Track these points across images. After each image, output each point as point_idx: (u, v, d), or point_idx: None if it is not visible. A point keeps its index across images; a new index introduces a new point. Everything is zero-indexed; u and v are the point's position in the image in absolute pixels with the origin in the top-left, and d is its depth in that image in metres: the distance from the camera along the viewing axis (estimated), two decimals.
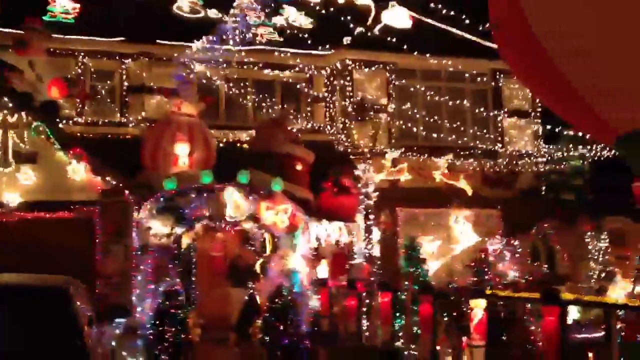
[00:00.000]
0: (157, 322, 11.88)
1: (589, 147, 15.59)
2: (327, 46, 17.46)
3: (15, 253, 11.83)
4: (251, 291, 13.16)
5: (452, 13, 16.72)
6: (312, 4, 19.41)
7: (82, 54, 16.54)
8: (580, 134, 14.65)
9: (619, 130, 8.04)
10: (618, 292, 10.27)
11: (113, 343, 11.14)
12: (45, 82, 13.24)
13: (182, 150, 14.45)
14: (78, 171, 12.92)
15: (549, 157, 16.67)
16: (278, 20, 18.19)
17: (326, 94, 17.71)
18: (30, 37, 13.31)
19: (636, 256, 11.47)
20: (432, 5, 16.93)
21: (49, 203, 12.49)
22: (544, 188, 17.05)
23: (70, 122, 15.91)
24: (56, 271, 11.48)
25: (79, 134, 15.43)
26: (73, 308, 6.66)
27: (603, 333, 7.08)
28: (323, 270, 13.79)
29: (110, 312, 11.60)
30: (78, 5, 17.15)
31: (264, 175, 13.77)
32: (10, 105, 12.68)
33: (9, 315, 6.46)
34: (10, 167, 12.49)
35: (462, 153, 16.97)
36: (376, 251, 13.90)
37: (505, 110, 17.97)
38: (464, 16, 16.63)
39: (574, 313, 9.41)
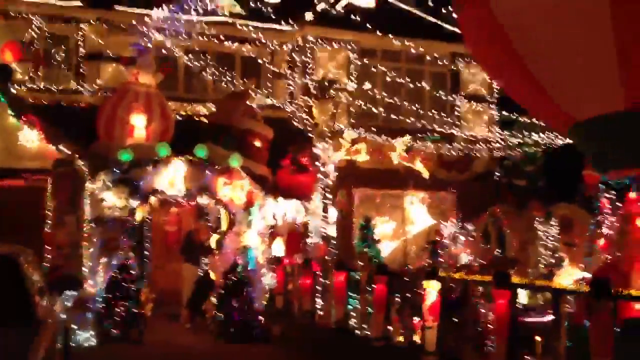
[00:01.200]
0: (109, 296, 11.74)
1: (542, 134, 15.91)
2: (290, 22, 17.29)
3: None
4: (205, 267, 13.10)
5: None
6: None
7: (37, 16, 16.00)
8: (535, 120, 14.96)
9: (573, 118, 8.22)
10: (566, 277, 10.58)
11: (63, 315, 10.98)
12: None
13: (138, 121, 14.19)
14: (30, 138, 12.57)
15: (504, 143, 16.95)
16: None
17: (287, 70, 17.58)
18: None
19: (583, 244, 11.83)
20: None
21: (1, 171, 12.16)
22: (497, 173, 17.37)
23: (23, 87, 15.44)
24: (5, 240, 11.26)
25: (31, 100, 14.96)
26: (23, 277, 6.52)
27: (551, 317, 7.29)
28: (279, 248, 13.80)
29: (61, 283, 11.39)
30: None
31: (222, 150, 13.64)
32: None
33: None
34: None
35: (419, 135, 17.11)
36: (332, 231, 13.97)
37: (463, 94, 18.18)
38: None
39: (523, 297, 9.65)
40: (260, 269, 12.90)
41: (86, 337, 11.30)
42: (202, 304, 12.83)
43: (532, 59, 7.90)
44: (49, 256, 11.85)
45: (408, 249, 15.53)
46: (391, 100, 16.95)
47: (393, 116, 17.02)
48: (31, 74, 15.85)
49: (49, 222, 12.21)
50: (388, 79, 17.25)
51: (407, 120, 16.96)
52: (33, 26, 15.92)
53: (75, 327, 11.15)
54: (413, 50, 17.44)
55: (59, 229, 12.35)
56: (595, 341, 6.11)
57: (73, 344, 10.41)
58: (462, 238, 13.88)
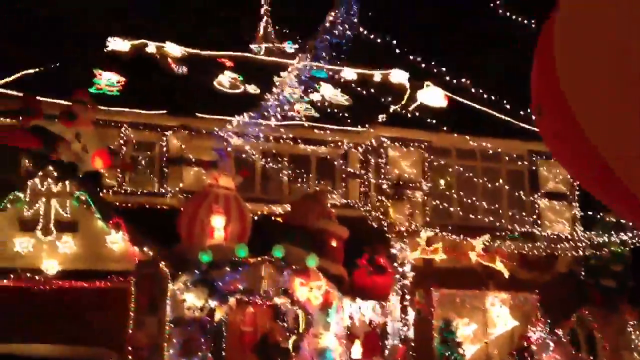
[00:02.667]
0: None
1: (630, 233, 15.36)
2: (363, 123, 17.69)
3: (51, 321, 11.90)
4: None
5: (489, 96, 16.93)
6: (348, 82, 19.89)
7: (125, 125, 16.92)
8: (621, 220, 14.48)
9: None
10: None
11: None
12: (89, 153, 13.53)
13: (218, 222, 14.52)
14: (116, 241, 13.02)
15: (588, 242, 16.42)
16: (315, 97, 18.59)
17: (361, 171, 17.83)
18: (77, 109, 13.70)
19: None
20: (467, 86, 17.17)
21: (87, 272, 12.60)
22: (582, 273, 16.74)
23: (110, 191, 16.14)
24: (90, 341, 11.51)
25: (117, 204, 15.59)
26: None
27: None
28: (356, 350, 13.54)
29: None
30: (123, 79, 17.74)
31: (298, 251, 13.76)
32: (55, 174, 12.95)
33: None
34: (52, 235, 12.65)
35: (498, 234, 16.82)
36: (411, 332, 13.65)
37: (542, 192, 17.89)
38: (498, 97, 16.83)
39: None
40: None
41: None
42: None
43: (618, 165, 7.73)
44: (130, 357, 12.00)
45: (491, 353, 14.92)
46: (467, 199, 16.85)
47: (470, 215, 16.87)
48: (118, 179, 16.59)
49: (131, 323, 12.45)
50: (463, 177, 17.23)
51: (485, 219, 16.76)
52: (121, 133, 16.83)
53: None
54: (490, 150, 17.44)
55: (140, 331, 12.59)
56: None
57: None
58: (551, 344, 13.24)
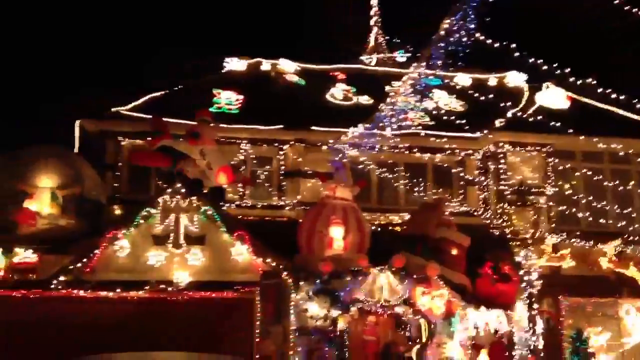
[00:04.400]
0: None
1: None
2: (480, 129, 17.34)
3: (182, 330, 12.44)
4: None
5: (617, 95, 16.15)
6: (462, 88, 19.58)
7: (245, 141, 17.50)
8: None
9: None
10: None
11: None
12: (214, 169, 14.08)
13: (336, 233, 14.68)
14: (241, 252, 13.47)
15: None
16: (429, 105, 18.44)
17: (480, 177, 17.46)
18: (202, 128, 14.31)
19: None
20: (591, 85, 16.46)
21: (214, 283, 13.08)
22: None
23: (233, 205, 16.71)
24: (218, 350, 11.94)
25: (240, 217, 16.11)
26: None
27: None
28: (482, 358, 13.21)
29: None
30: (241, 97, 18.39)
31: (418, 260, 13.66)
32: (183, 190, 13.59)
33: None
34: (182, 248, 13.24)
35: (631, 239, 15.91)
36: (539, 342, 13.16)
37: None
38: (625, 95, 16.02)
39: None
40: None
41: None
42: None
43: None
44: None
45: None
46: (595, 203, 16.08)
47: (599, 220, 16.08)
48: (239, 193, 17.16)
49: (258, 332, 12.78)
50: (590, 180, 16.48)
51: (615, 224, 15.92)
52: (241, 149, 17.41)
53: None
54: (619, 151, 16.58)
55: (266, 339, 12.92)
56: None
57: None
58: None
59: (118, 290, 12.55)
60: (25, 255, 12.63)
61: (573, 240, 15.48)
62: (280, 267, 13.49)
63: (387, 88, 18.80)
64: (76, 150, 16.85)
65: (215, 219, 13.62)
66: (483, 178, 17.38)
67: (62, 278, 12.47)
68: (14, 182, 13.84)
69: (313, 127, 17.62)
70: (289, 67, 20.17)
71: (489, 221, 16.30)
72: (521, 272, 13.54)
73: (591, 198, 16.12)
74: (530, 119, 17.34)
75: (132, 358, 7.20)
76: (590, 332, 14.14)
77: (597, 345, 13.96)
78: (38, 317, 12.06)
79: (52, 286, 12.38)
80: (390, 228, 16.73)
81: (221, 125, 16.05)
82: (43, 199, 13.74)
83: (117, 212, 15.28)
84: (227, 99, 18.34)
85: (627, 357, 14.44)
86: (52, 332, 11.91)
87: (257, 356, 12.60)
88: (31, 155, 14.32)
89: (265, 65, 20.21)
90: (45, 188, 13.90)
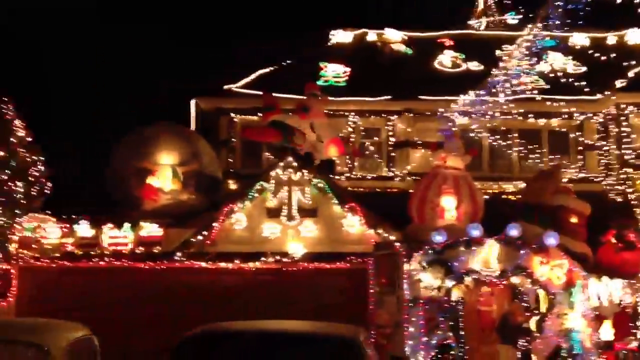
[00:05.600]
0: None
1: None
2: (599, 91, 16.50)
3: (297, 301, 12.75)
4: (525, 350, 12.58)
5: None
6: (579, 48, 18.66)
7: (353, 113, 17.57)
8: None
9: None
10: None
11: None
12: (323, 142, 14.26)
13: (448, 203, 14.50)
14: (353, 224, 13.60)
15: None
16: (544, 68, 17.72)
17: (599, 141, 16.65)
18: (311, 102, 14.50)
19: None
20: None
21: (328, 254, 13.30)
22: None
23: (343, 177, 16.87)
24: (333, 320, 12.15)
25: (350, 189, 16.27)
26: (363, 356, 6.79)
27: None
28: (606, 331, 12.71)
29: None
30: (348, 69, 18.42)
31: (535, 228, 13.24)
32: (294, 164, 13.86)
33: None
34: (295, 220, 13.55)
35: None
36: None
37: None
38: None
39: None
40: (588, 354, 11.97)
41: None
42: None
43: None
44: (373, 334, 12.46)
45: None
46: None
47: None
48: (348, 165, 17.29)
49: (372, 302, 12.90)
50: None
51: None
52: (349, 122, 17.49)
53: None
54: None
55: (380, 309, 13.02)
56: None
57: None
58: None
59: (236, 261, 13.01)
60: (150, 229, 13.30)
61: None
62: (393, 237, 13.53)
63: (498, 52, 18.22)
64: (192, 127, 17.54)
65: (326, 192, 13.82)
66: (603, 142, 16.56)
67: (184, 250, 13.08)
68: (136, 160, 14.53)
69: (421, 97, 17.43)
70: (395, 37, 19.97)
71: (610, 187, 15.55)
72: None
73: None
74: None
75: (255, 325, 7.42)
76: None
77: None
78: (162, 287, 12.68)
79: (176, 258, 13.00)
80: (504, 197, 16.36)
81: (329, 98, 16.16)
82: (165, 176, 14.38)
83: (233, 186, 15.81)
84: (334, 72, 18.43)
85: None
86: (175, 302, 12.52)
87: (373, 326, 12.72)
88: (152, 133, 14.97)
89: (371, 35, 20.10)
90: (167, 165, 14.54)
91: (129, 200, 14.16)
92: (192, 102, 17.86)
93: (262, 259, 13.04)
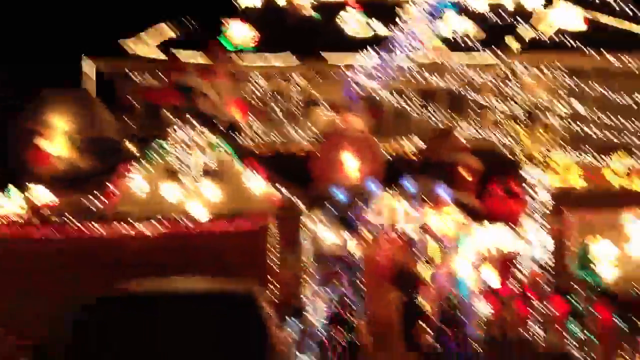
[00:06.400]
0: (330, 327, 12.36)
1: None
2: (493, 52, 17.16)
3: (198, 263, 12.78)
4: (415, 297, 13.25)
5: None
6: (476, 10, 19.24)
7: (257, 74, 17.59)
8: None
9: None
10: None
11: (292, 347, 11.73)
12: (226, 103, 14.28)
13: (350, 161, 14.89)
14: (256, 184, 13.73)
15: None
16: (442, 28, 18.20)
17: (493, 100, 17.37)
18: (213, 62, 14.41)
19: None
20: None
21: (230, 215, 13.34)
22: None
23: (246, 138, 16.93)
24: (235, 278, 12.34)
25: (254, 150, 16.37)
26: (261, 312, 6.90)
27: None
28: (491, 276, 13.50)
29: (286, 316, 12.20)
30: (254, 31, 18.38)
31: (431, 184, 13.83)
32: (197, 125, 13.83)
33: (198, 318, 6.71)
34: (196, 182, 13.55)
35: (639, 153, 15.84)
36: (547, 257, 13.36)
37: None
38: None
39: None
40: (474, 299, 12.74)
41: None
42: (415, 334, 12.94)
43: None
44: (275, 291, 12.77)
45: (633, 276, 14.18)
46: (608, 121, 15.94)
47: (609, 135, 15.96)
48: (253, 126, 17.38)
49: (274, 261, 13.19)
50: (602, 99, 16.28)
51: (624, 139, 15.79)
52: (254, 83, 17.54)
53: (300, 356, 11.88)
54: (634, 69, 16.30)
55: (282, 267, 13.33)
56: None
57: None
58: None
59: (136, 224, 12.93)
60: (44, 195, 13.01)
61: (583, 157, 15.46)
62: (294, 196, 13.79)
63: (398, 11, 18.58)
64: (90, 90, 17.13)
65: (229, 153, 13.88)
66: (496, 101, 17.28)
67: (81, 215, 12.87)
68: (30, 124, 14.11)
69: (326, 58, 17.62)
70: (304, 1, 19.98)
71: (501, 144, 16.34)
72: (531, 191, 13.61)
73: (603, 116, 15.96)
74: (546, 40, 17.08)
75: (156, 284, 7.49)
76: (597, 246, 14.22)
77: (603, 258, 14.05)
78: (59, 254, 12.47)
79: (72, 223, 12.79)
80: (403, 155, 16.89)
81: (234, 59, 16.12)
82: (60, 141, 14.05)
83: (132, 149, 15.64)
84: (240, 33, 18.30)
85: (633, 269, 14.50)
86: (72, 268, 12.30)
87: (274, 283, 13.02)
88: (47, 96, 14.56)
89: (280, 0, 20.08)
90: (61, 130, 14.19)
91: (23, 167, 13.79)
92: (87, 63, 17.35)
93: (163, 221, 13.03)
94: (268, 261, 13.20)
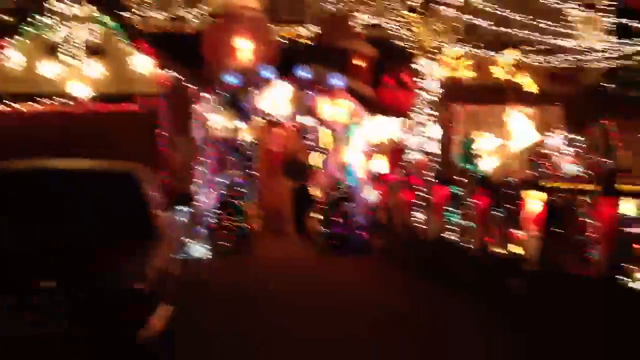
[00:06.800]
0: (219, 212, 12.36)
1: None
2: None
3: (82, 145, 12.27)
4: (305, 183, 13.44)
5: None
6: None
7: None
8: None
9: None
10: None
11: (180, 230, 11.67)
12: None
13: (243, 44, 14.49)
14: (143, 64, 13.05)
15: (620, 53, 15.82)
16: None
17: None
18: None
19: None
20: None
21: (115, 95, 12.76)
22: (610, 85, 16.24)
23: (134, 15, 16.02)
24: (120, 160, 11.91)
25: (142, 28, 15.56)
26: (143, 192, 6.71)
27: None
28: (380, 164, 13.88)
29: (175, 201, 12.05)
30: None
31: (324, 70, 13.72)
32: None
33: (81, 196, 6.53)
34: (78, 59, 12.71)
35: (528, 49, 16.33)
36: (434, 147, 13.82)
37: (577, 1, 16.98)
38: None
39: (631, 209, 9.27)
40: (362, 185, 13.10)
41: (200, 251, 12.00)
42: (305, 219, 13.26)
43: None
44: (164, 175, 12.52)
45: (511, 164, 15.11)
46: (498, 12, 16.15)
47: (500, 29, 16.25)
48: (141, 2, 16.41)
49: (162, 143, 12.84)
50: None
51: (514, 33, 16.16)
52: None
53: (190, 241, 11.88)
54: None
55: (172, 150, 13.03)
56: None
57: (189, 257, 11.14)
58: (570, 149, 13.34)
59: (13, 104, 12.13)
60: None
61: (474, 50, 15.77)
62: (185, 78, 13.33)
63: None
64: None
65: (114, 29, 13.05)
66: None
67: None
68: None
69: None
70: None
71: (395, 32, 16.29)
72: (421, 81, 13.82)
73: (494, 8, 16.14)
74: None
75: (29, 165, 7.06)
76: (482, 137, 14.90)
77: (485, 149, 14.80)
78: None
79: None
80: (298, 40, 16.60)
81: None
82: None
83: (7, 22, 14.38)
84: None
85: (512, 158, 15.40)
86: None
87: (163, 167, 12.75)
88: None
89: None
90: None
91: None
92: None
93: (43, 100, 12.28)
94: (156, 145, 12.87)
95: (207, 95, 13.27)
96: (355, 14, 16.06)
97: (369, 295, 9.03)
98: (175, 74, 13.33)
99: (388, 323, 7.47)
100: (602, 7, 16.87)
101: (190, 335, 6.47)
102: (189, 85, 13.28)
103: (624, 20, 15.55)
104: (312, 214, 13.12)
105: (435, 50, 14.79)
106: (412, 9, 16.22)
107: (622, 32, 15.95)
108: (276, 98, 13.26)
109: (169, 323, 5.31)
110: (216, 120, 13.23)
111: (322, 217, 12.59)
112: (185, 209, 12.15)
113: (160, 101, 12.91)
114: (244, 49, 14.63)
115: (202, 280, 9.68)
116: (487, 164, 14.04)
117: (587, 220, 8.00)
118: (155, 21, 16.43)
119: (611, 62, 15.90)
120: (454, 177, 11.65)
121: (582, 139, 13.62)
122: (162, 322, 5.19)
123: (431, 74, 13.69)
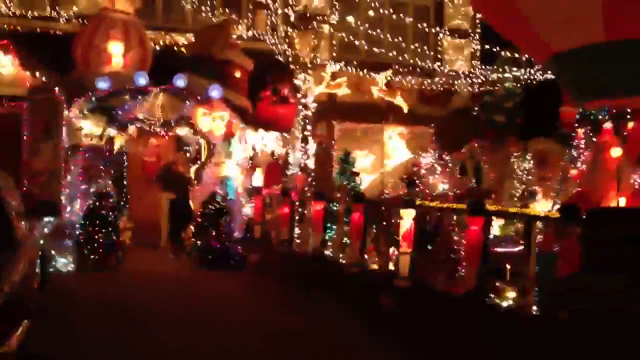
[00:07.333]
0: (88, 223, 11.76)
1: (523, 70, 15.87)
2: None
3: None
4: (181, 195, 13.14)
5: None
6: None
7: None
8: (516, 55, 14.90)
9: (552, 49, 8.26)
10: (538, 209, 10.77)
11: (42, 242, 10.98)
12: None
13: (116, 49, 13.96)
14: (6, 65, 12.34)
15: (485, 78, 16.87)
16: None
17: (268, 1, 17.22)
18: None
19: (556, 177, 12.04)
20: None
21: None
22: (477, 109, 17.28)
23: None
24: None
25: (5, 26, 14.62)
26: (1, 201, 6.35)
27: (521, 247, 7.46)
28: (258, 178, 13.86)
29: (39, 210, 11.36)
30: None
31: (201, 81, 13.50)
32: None
33: None
34: None
35: (401, 70, 16.99)
36: (311, 162, 14.01)
37: (446, 28, 17.94)
38: None
39: (495, 229, 9.84)
40: (239, 199, 12.99)
41: (64, 263, 11.38)
42: (180, 233, 12.94)
43: None
44: (26, 183, 11.81)
45: (386, 182, 15.65)
46: (374, 34, 16.70)
47: (375, 49, 16.82)
48: (6, 1, 15.41)
49: (26, 149, 12.12)
50: (371, 11, 16.97)
51: (389, 54, 16.77)
52: None
53: (53, 253, 11.20)
54: None
55: (36, 157, 12.31)
56: (563, 263, 6.28)
57: (51, 269, 10.50)
58: (439, 169, 14.01)
59: None
60: None
61: (350, 68, 16.17)
62: (52, 82, 12.65)
63: None
64: None
65: None
66: (271, 2, 17.16)
67: None
68: None
69: None
70: None
71: (274, 46, 16.39)
72: (299, 96, 13.97)
73: (369, 28, 16.67)
74: None
75: None
76: (357, 155, 15.31)
77: (362, 166, 15.23)
78: None
79: None
80: (175, 48, 16.23)
81: None
82: None
83: None
84: None
85: (386, 176, 15.96)
86: None
87: (26, 174, 12.02)
88: None
89: None
90: None
91: None
92: None
93: None
94: (18, 150, 12.13)
95: (77, 100, 12.64)
96: (234, 25, 15.94)
97: (245, 309, 8.95)
98: (41, 76, 12.63)
99: (264, 336, 7.44)
100: (470, 33, 17.90)
101: (55, 350, 6.13)
102: (57, 89, 12.60)
103: (487, 46, 16.59)
104: (187, 227, 12.83)
105: (312, 66, 15.05)
106: (289, 24, 16.44)
107: (486, 58, 17.02)
108: (150, 106, 12.85)
109: (26, 339, 5.05)
110: (85, 126, 12.62)
111: (198, 231, 12.34)
112: (50, 218, 11.48)
113: (24, 104, 12.21)
114: (116, 53, 14.09)
115: (65, 293, 9.18)
116: (364, 181, 14.41)
117: (456, 238, 8.39)
118: (22, 20, 15.43)
119: (477, 87, 16.92)
120: (331, 192, 11.82)
121: (453, 159, 14.33)
122: (20, 337, 4.91)
123: (309, 90, 13.86)
